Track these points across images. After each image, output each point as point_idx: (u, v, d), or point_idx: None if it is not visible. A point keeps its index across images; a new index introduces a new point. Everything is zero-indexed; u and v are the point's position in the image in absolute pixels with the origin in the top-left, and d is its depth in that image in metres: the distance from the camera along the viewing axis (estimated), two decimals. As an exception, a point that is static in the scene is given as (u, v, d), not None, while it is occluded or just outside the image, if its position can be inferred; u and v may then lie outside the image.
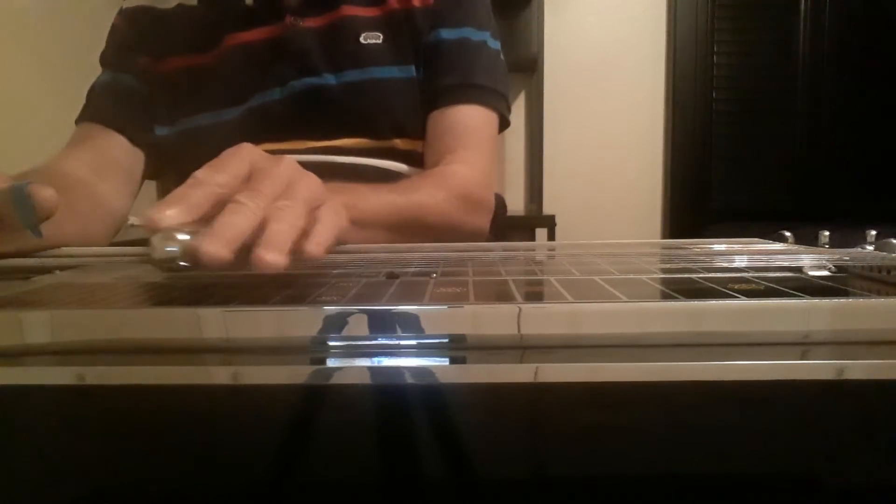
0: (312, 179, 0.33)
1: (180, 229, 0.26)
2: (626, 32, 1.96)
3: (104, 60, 0.71)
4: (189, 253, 0.25)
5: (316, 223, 0.31)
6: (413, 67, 0.68)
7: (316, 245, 0.30)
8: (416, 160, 0.68)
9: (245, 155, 0.31)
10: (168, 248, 0.25)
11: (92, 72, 0.71)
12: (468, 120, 0.67)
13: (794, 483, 0.18)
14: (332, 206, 0.33)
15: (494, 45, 0.70)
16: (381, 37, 0.67)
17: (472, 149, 0.66)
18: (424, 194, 0.57)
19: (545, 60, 1.88)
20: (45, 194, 0.31)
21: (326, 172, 0.63)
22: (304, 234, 0.30)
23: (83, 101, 0.70)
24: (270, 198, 0.29)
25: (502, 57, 0.72)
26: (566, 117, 1.96)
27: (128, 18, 0.71)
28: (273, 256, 0.25)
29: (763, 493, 0.18)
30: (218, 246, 0.25)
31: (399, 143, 0.67)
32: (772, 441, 0.18)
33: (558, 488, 0.18)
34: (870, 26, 1.95)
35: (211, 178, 0.29)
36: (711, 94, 1.96)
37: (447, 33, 0.68)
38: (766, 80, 1.97)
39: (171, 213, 0.27)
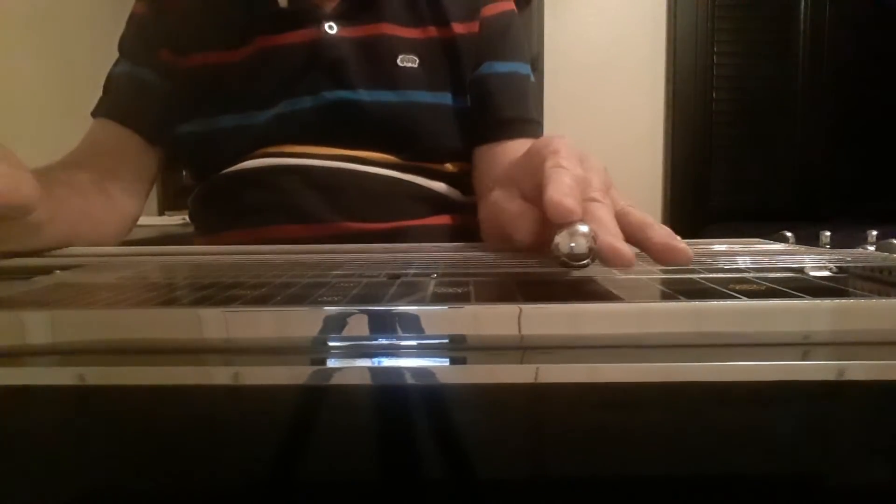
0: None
1: (584, 223, 0.26)
2: (626, 32, 1.96)
3: (122, 49, 0.69)
4: (591, 249, 0.26)
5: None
6: (449, 95, 0.68)
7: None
8: (442, 178, 0.69)
9: (572, 144, 0.34)
10: (574, 245, 0.26)
11: (96, 67, 0.70)
12: None
13: (794, 483, 0.18)
14: None
15: (532, 77, 0.73)
16: (418, 60, 0.67)
17: None
18: None
19: (545, 60, 1.88)
20: None
21: (350, 180, 0.63)
22: None
23: (87, 96, 0.68)
24: (605, 193, 0.31)
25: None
26: (566, 117, 1.96)
27: (150, 6, 0.68)
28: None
29: (763, 494, 0.18)
30: (626, 246, 0.26)
31: (426, 165, 0.67)
32: (772, 441, 0.18)
33: (559, 489, 0.18)
34: (869, 26, 1.95)
35: (575, 168, 0.31)
36: (711, 94, 1.97)
37: (500, 66, 0.69)
38: (766, 80, 1.97)
39: (573, 206, 0.27)
